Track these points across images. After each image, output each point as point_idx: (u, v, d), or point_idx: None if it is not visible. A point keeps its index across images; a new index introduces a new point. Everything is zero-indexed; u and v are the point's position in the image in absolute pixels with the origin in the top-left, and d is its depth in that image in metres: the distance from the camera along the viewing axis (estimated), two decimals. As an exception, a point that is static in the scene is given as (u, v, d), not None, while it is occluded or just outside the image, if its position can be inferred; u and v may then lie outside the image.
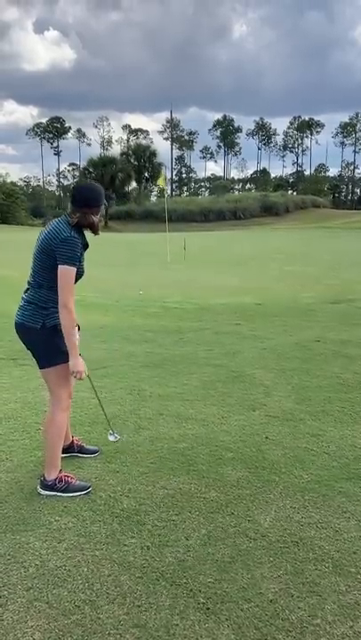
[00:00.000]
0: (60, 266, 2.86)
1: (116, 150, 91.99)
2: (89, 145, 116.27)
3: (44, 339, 2.96)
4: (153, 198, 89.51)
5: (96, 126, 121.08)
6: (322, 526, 2.78)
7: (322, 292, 11.44)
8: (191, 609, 2.18)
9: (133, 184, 77.46)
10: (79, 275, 2.99)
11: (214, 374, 5.46)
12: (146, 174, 76.80)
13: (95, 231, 3.08)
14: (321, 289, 11.83)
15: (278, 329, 7.77)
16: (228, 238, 38.71)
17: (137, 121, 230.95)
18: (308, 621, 2.13)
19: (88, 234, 3.10)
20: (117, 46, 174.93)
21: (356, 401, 4.70)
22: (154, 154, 77.32)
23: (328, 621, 2.12)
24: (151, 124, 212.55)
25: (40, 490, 3.06)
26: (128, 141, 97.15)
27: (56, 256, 2.87)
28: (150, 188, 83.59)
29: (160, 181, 20.30)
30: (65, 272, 2.86)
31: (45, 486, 3.05)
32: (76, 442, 3.53)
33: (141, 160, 76.14)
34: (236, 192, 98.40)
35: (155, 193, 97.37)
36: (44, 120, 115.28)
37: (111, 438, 3.59)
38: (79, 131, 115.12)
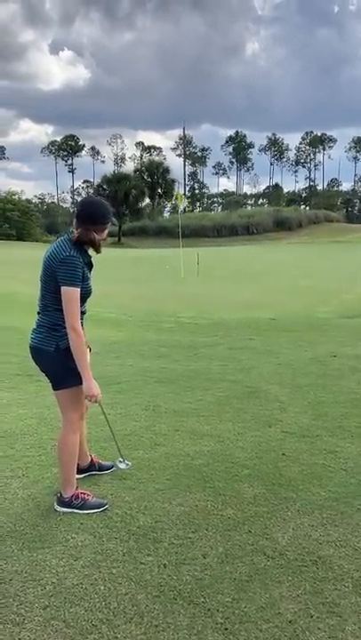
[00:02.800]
0: (62, 287, 2.81)
1: (129, 167, 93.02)
2: (103, 162, 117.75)
3: (59, 360, 2.91)
4: (166, 214, 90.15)
5: (110, 144, 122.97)
6: (341, 544, 2.74)
7: (337, 306, 11.39)
8: (209, 629, 2.15)
9: (147, 200, 78.09)
10: (85, 294, 2.92)
11: (229, 390, 5.44)
12: (159, 190, 77.40)
13: (97, 249, 2.99)
14: (336, 304, 11.77)
15: (293, 344, 7.73)
16: (241, 253, 38.77)
17: (150, 138, 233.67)
18: (328, 642, 2.09)
19: (96, 254, 3.05)
20: (131, 65, 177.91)
21: (373, 417, 4.64)
22: (167, 170, 78.03)
23: (349, 643, 2.08)
24: (164, 140, 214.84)
25: (57, 507, 3.05)
26: (141, 158, 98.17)
27: (57, 277, 2.82)
28: (164, 204, 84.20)
29: (180, 201, 20.35)
30: (68, 293, 2.81)
31: (62, 503, 3.04)
32: (95, 460, 3.51)
33: (154, 176, 76.80)
34: (249, 207, 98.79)
35: (168, 209, 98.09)
36: (58, 138, 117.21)
37: (122, 466, 3.51)
38: (93, 148, 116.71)
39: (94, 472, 3.47)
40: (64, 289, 2.82)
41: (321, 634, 2.14)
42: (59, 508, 3.04)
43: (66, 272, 2.81)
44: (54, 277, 2.84)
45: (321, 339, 8.14)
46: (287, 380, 5.83)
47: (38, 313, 3.01)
